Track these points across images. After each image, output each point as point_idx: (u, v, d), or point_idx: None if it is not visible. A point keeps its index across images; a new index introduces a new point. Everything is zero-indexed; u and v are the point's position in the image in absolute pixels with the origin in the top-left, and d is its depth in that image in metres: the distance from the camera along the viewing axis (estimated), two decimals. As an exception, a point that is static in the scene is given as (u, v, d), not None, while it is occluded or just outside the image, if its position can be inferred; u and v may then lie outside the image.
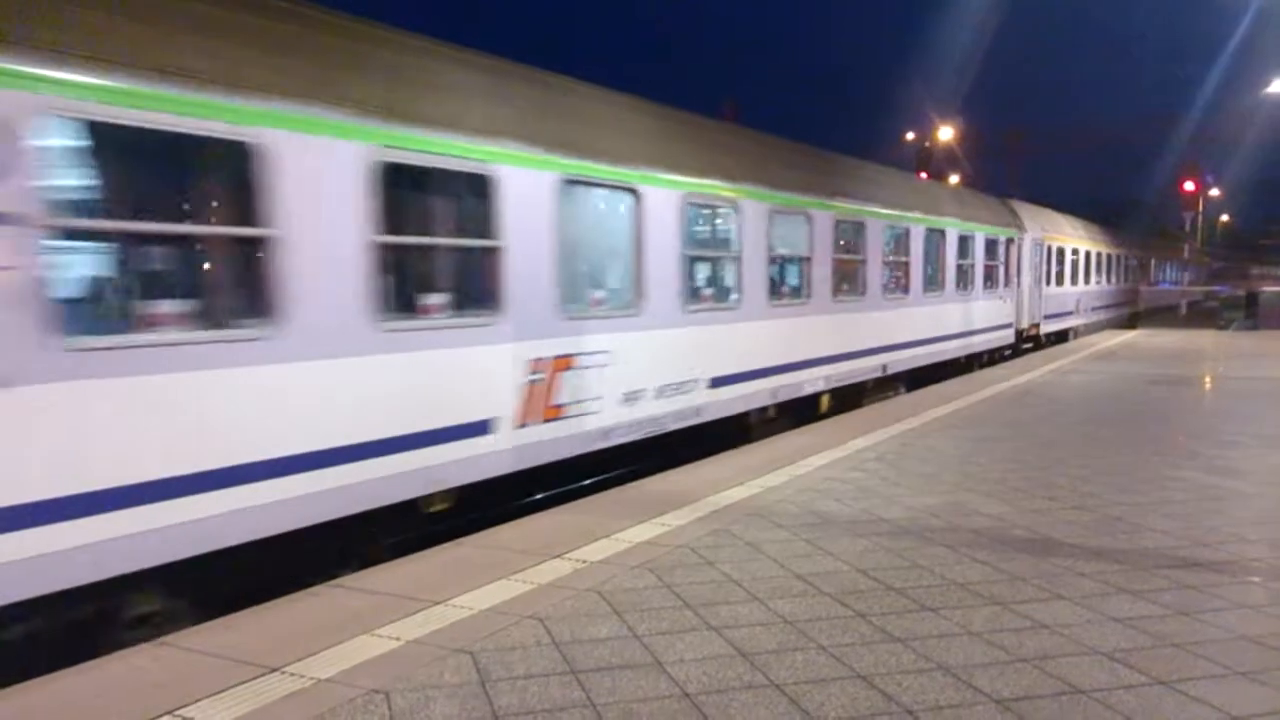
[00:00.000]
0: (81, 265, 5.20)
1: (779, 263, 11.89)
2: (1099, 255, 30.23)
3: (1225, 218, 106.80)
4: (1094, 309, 29.63)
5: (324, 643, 4.58)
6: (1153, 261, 44.91)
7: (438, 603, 5.13)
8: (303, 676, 4.20)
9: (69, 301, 4.98)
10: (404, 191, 6.83)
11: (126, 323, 5.30)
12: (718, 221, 10.97)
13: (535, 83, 8.42)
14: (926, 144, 47.15)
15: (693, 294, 10.08)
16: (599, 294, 9.11)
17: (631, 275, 9.18)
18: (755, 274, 11.05)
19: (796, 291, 12.37)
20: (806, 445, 9.83)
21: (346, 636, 4.66)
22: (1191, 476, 8.27)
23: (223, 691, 4.05)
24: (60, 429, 4.82)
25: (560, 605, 5.09)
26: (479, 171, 7.29)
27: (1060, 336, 25.80)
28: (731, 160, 10.85)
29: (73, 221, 4.98)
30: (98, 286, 5.38)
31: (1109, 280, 32.04)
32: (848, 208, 13.34)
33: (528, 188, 7.70)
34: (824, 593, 5.30)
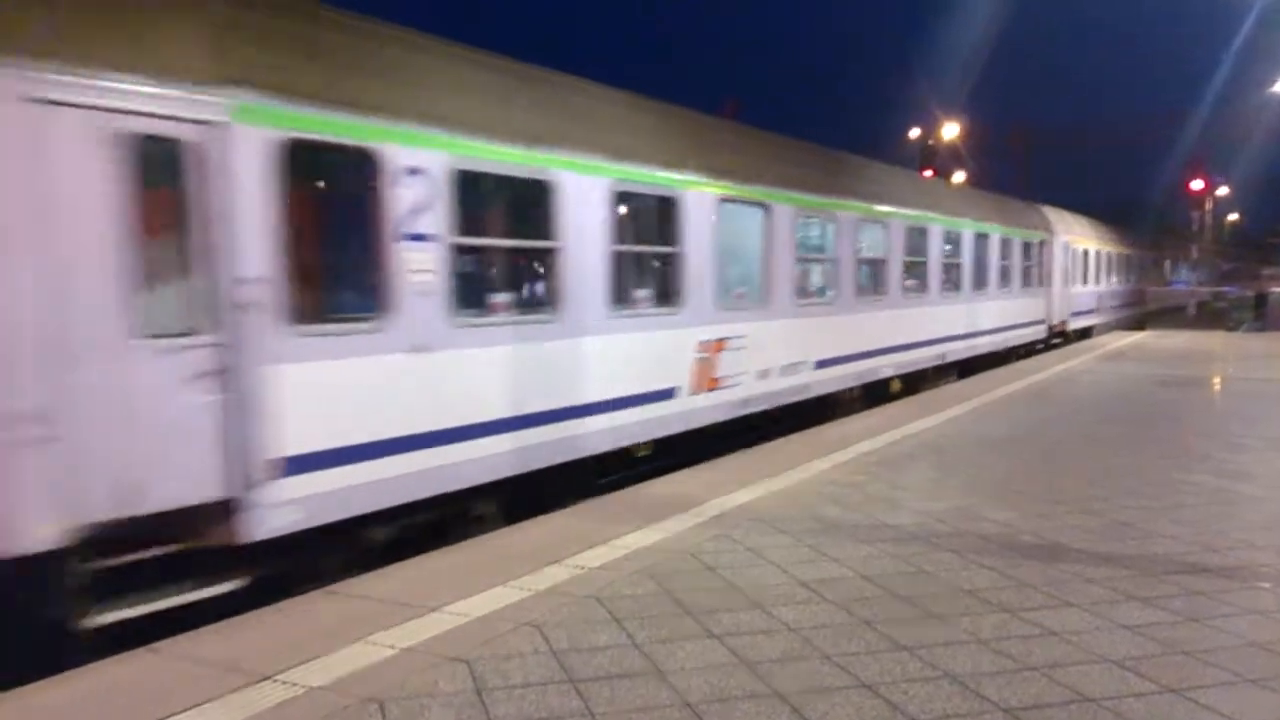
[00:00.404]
0: (461, 267, 7.22)
1: (862, 264, 13.85)
2: (1116, 256, 31.96)
3: (1234, 217, 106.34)
4: (1112, 307, 31.22)
5: (318, 650, 4.50)
6: (1166, 262, 46.87)
7: (433, 609, 5.05)
8: (296, 685, 4.13)
9: (455, 293, 7.06)
10: (625, 212, 9.13)
11: (483, 309, 7.52)
12: (819, 230, 12.84)
13: (695, 121, 10.80)
14: (930, 142, 46.88)
15: (801, 291, 12.10)
16: (740, 290, 11.01)
17: (761, 274, 11.20)
18: (846, 274, 13.21)
19: (875, 289, 14.33)
20: (809, 449, 9.75)
21: (341, 644, 4.58)
22: (1201, 480, 8.17)
23: (214, 699, 3.98)
24: (452, 379, 7.11)
25: (558, 612, 5.01)
26: (670, 195, 9.49)
27: (1084, 333, 27.19)
28: (831, 179, 13.01)
29: (459, 239, 7.11)
30: (468, 282, 7.36)
31: (1125, 280, 33.87)
32: (914, 215, 15.46)
33: (699, 206, 9.88)
34: (828, 600, 5.22)
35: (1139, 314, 36.28)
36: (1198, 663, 4.37)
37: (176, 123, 5.41)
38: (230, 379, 5.65)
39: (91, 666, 4.41)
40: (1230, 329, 31.16)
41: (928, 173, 36.19)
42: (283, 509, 5.93)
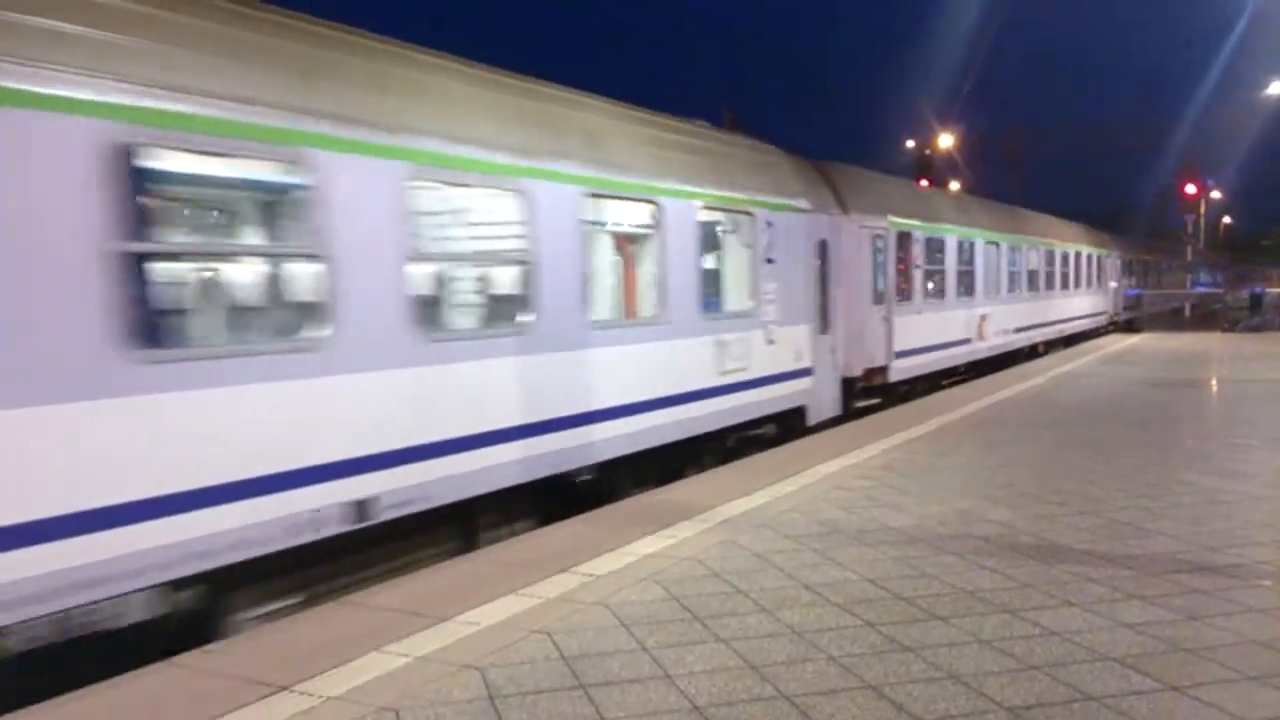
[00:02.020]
0: (927, 280, 17.38)
1: (1029, 273, 23.69)
2: (1150, 263, 44.37)
3: (1227, 220, 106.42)
4: (1148, 302, 42.12)
5: (333, 661, 4.57)
6: (1192, 267, 57.94)
7: (446, 619, 5.12)
8: (312, 695, 4.19)
9: (924, 290, 17.16)
10: (956, 249, 18.63)
11: (926, 299, 17.12)
12: (1016, 254, 22.69)
13: (978, 200, 23.95)
14: (927, 151, 47.19)
15: (1009, 288, 22.07)
16: (988, 288, 20.46)
17: (993, 279, 20.86)
18: (1023, 279, 23.23)
19: (1034, 288, 24.24)
20: (813, 453, 9.82)
21: (355, 654, 4.64)
22: (1199, 480, 8.24)
23: (231, 711, 4.04)
24: (926, 327, 16.96)
25: (568, 619, 5.08)
26: (970, 241, 19.20)
27: (1130, 322, 37.20)
28: (1019, 224, 23.99)
29: (926, 267, 17.12)
30: (929, 285, 17.44)
31: (1158, 282, 46.01)
32: (1050, 243, 25.99)
33: (984, 249, 20.17)
34: (832, 603, 5.29)
35: (1168, 308, 44.85)
36: (1199, 660, 4.43)
37: (883, 230, 14.88)
38: (888, 319, 14.86)
39: (109, 682, 4.47)
40: (1226, 330, 31.24)
41: (924, 182, 36.60)
42: (895, 371, 15.03)
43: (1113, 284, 33.93)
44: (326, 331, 6.03)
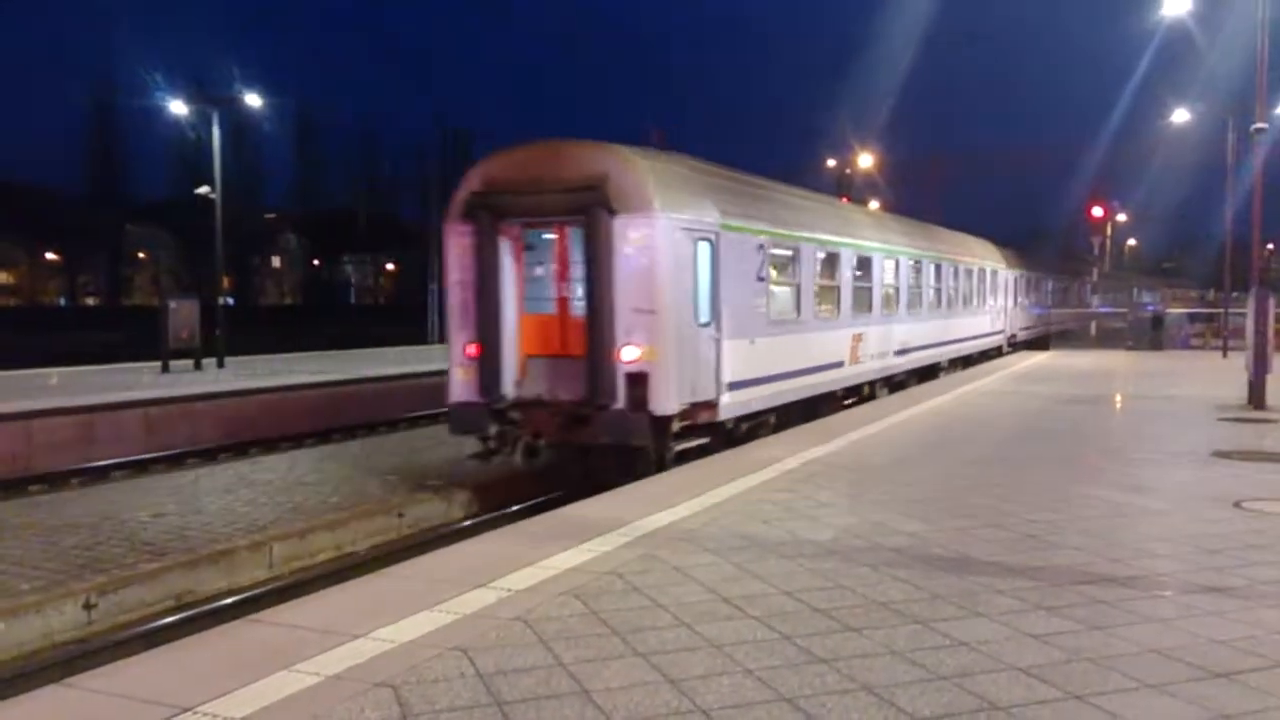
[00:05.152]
0: (1034, 296, 37.87)
1: (1055, 293, 42.58)
2: (1111, 283, 61.40)
3: (1132, 242, 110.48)
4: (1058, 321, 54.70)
5: (240, 680, 4.41)
6: (1134, 289, 68.68)
7: (358, 636, 5.00)
8: (217, 716, 4.05)
9: (1027, 302, 36.84)
10: (1038, 281, 39.46)
11: (1029, 305, 36.72)
12: (1058, 283, 43.29)
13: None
14: (847, 170, 48.21)
15: (1048, 300, 40.64)
16: (1050, 300, 41.16)
17: (1053, 296, 41.65)
18: (1059, 296, 42.65)
19: (1060, 300, 43.31)
20: (736, 466, 9.90)
21: (263, 673, 4.50)
22: (1103, 494, 8.52)
23: (130, 735, 3.89)
24: (1024, 318, 37.20)
25: (484, 635, 5.01)
26: (1034, 277, 37.00)
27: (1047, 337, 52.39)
28: (1056, 266, 45.74)
29: (1030, 290, 36.64)
30: (1032, 298, 37.79)
31: (1119, 300, 59.29)
32: (1062, 278, 45.42)
33: (1048, 282, 40.90)
34: (750, 616, 5.32)
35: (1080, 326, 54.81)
36: (1101, 669, 4.56)
37: (1019, 275, 34.14)
38: (1019, 310, 34.18)
39: (4, 703, 4.28)
40: (1130, 348, 32.46)
41: (843, 199, 37.43)
42: (1020, 335, 35.06)
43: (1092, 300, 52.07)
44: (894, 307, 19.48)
